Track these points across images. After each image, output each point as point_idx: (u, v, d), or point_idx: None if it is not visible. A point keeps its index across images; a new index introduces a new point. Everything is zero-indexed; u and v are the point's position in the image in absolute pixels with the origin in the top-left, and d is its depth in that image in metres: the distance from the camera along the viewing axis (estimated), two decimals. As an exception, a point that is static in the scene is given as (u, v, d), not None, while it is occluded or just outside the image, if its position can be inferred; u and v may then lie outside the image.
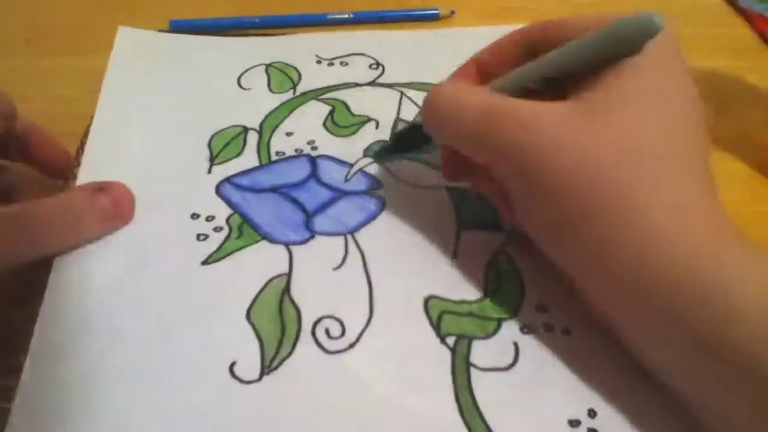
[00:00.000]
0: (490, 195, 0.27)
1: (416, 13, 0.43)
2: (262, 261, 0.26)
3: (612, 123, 0.20)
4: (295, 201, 0.29)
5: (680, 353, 0.20)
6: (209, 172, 0.30)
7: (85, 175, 0.29)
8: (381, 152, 0.30)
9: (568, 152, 0.20)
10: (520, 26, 0.25)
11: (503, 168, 0.23)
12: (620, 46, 0.21)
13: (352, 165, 0.30)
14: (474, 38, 0.26)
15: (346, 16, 0.42)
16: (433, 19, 0.43)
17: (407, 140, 0.29)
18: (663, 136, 0.20)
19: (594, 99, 0.21)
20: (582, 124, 0.20)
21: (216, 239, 0.27)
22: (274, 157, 0.31)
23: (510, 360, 0.23)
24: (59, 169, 0.29)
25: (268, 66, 0.37)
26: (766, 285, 0.18)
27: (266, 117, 0.33)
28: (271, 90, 0.35)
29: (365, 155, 0.31)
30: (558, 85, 0.22)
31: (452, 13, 0.43)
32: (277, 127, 0.33)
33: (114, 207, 0.26)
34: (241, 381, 0.22)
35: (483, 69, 0.26)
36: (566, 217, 0.21)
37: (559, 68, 0.22)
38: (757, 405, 0.18)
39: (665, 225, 0.19)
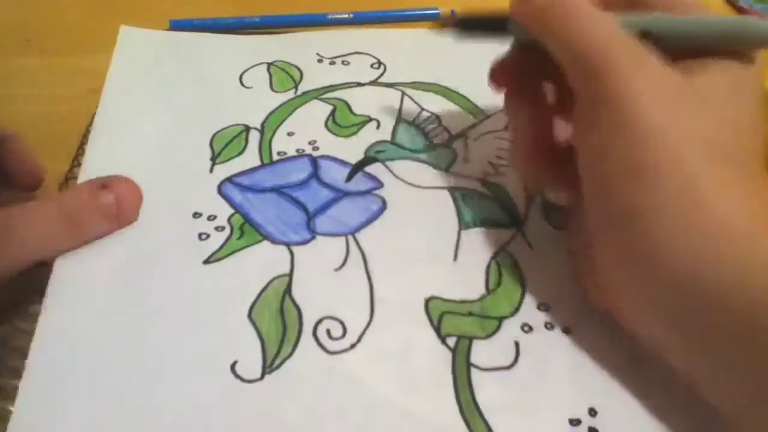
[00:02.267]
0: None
1: (416, 13, 0.43)
2: (263, 261, 0.26)
3: (714, 112, 0.21)
4: (296, 201, 0.29)
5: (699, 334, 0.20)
6: (211, 171, 0.30)
7: (86, 176, 0.29)
8: (463, 23, 0.27)
9: (665, 119, 0.21)
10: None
11: (588, 97, 0.22)
12: (738, 42, 0.22)
13: (353, 165, 0.30)
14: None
15: (346, 16, 0.42)
16: (433, 19, 0.43)
17: (480, 25, 0.26)
18: (740, 136, 0.21)
19: (705, 84, 0.22)
20: (690, 104, 0.21)
21: (218, 239, 0.27)
22: (275, 157, 0.31)
23: (511, 359, 0.23)
24: (27, 186, 0.28)
25: (269, 65, 0.37)
26: None
27: (268, 116, 0.33)
28: (272, 89, 0.35)
29: (366, 156, 0.31)
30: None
31: (452, 13, 0.43)
32: (278, 126, 0.33)
33: (117, 207, 0.26)
34: (242, 380, 0.22)
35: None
36: (639, 166, 0.21)
37: (676, 34, 0.23)
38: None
39: (728, 215, 0.20)
